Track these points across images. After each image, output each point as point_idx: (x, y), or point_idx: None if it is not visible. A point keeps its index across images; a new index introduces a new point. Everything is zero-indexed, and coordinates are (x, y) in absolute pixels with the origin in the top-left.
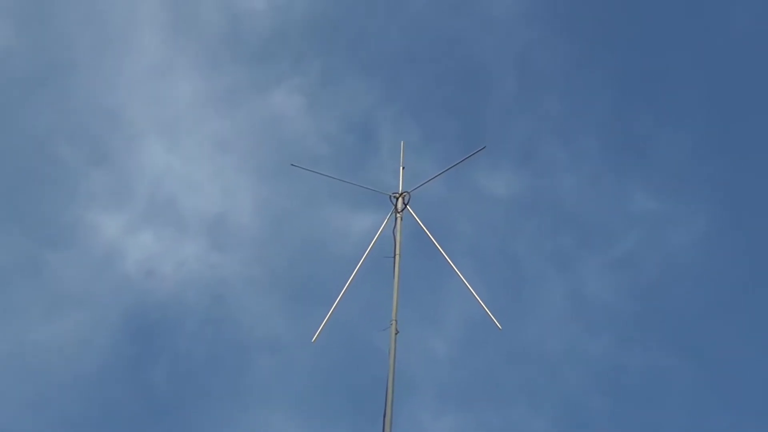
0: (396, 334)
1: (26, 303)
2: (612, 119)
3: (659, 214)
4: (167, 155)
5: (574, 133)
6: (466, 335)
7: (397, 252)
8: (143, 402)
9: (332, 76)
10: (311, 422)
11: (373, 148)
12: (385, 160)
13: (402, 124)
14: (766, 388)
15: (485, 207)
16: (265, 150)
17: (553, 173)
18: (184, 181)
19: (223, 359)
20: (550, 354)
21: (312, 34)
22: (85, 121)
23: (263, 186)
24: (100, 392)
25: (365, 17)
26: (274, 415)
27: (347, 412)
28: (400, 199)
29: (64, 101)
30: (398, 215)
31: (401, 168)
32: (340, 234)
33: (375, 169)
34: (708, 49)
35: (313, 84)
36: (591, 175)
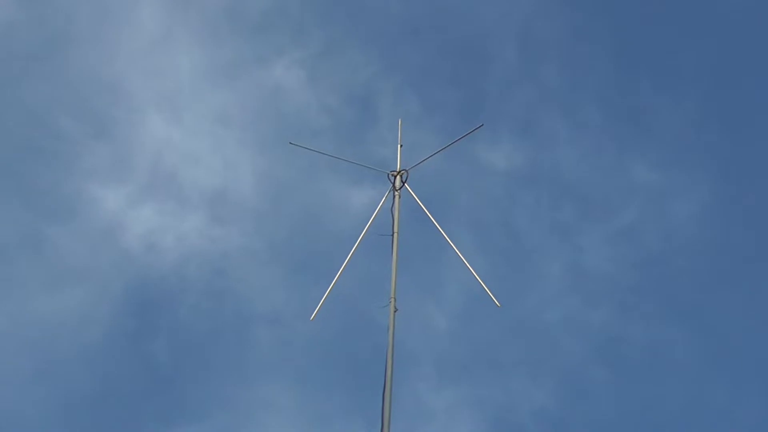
0: (395, 311)
1: (27, 277)
2: (612, 90)
3: (660, 185)
4: (168, 128)
5: (575, 104)
6: (465, 309)
7: (396, 230)
8: (144, 375)
9: (332, 48)
10: (311, 395)
11: (372, 120)
12: (384, 132)
13: (402, 96)
14: None
15: (485, 180)
16: (266, 123)
17: (554, 145)
18: (184, 155)
19: (223, 332)
20: (549, 326)
21: (312, 6)
22: (85, 94)
23: (264, 159)
24: (101, 366)
25: None
26: (274, 388)
27: (347, 386)
28: (398, 177)
29: (65, 74)
30: (396, 193)
31: (399, 146)
32: (339, 208)
33: (375, 141)
34: (709, 17)
35: (314, 56)
36: (591, 146)
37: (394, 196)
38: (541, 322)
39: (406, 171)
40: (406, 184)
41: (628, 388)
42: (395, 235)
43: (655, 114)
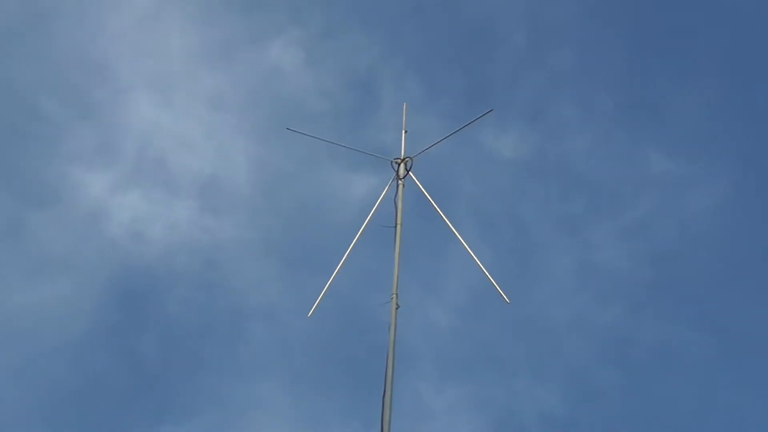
0: (396, 308)
1: (6, 266)
2: (626, 76)
3: (676, 176)
4: (157, 111)
5: (586, 90)
6: (469, 305)
7: (399, 221)
8: (130, 372)
9: (333, 28)
10: (307, 394)
11: (374, 105)
12: (387, 117)
13: (405, 80)
14: None
15: (491, 169)
16: (261, 107)
17: (564, 133)
18: (174, 139)
19: (215, 328)
20: (557, 324)
21: None
22: (69, 74)
23: (259, 145)
24: (84, 361)
25: None
26: (268, 386)
27: (345, 385)
28: (402, 165)
29: (48, 52)
30: (400, 182)
31: (403, 132)
32: (339, 197)
33: (376, 127)
34: (728, 1)
35: (313, 37)
36: (603, 135)
37: (397, 185)
38: (549, 321)
39: (411, 159)
40: (410, 173)
41: (639, 391)
42: (398, 226)
43: (671, 101)
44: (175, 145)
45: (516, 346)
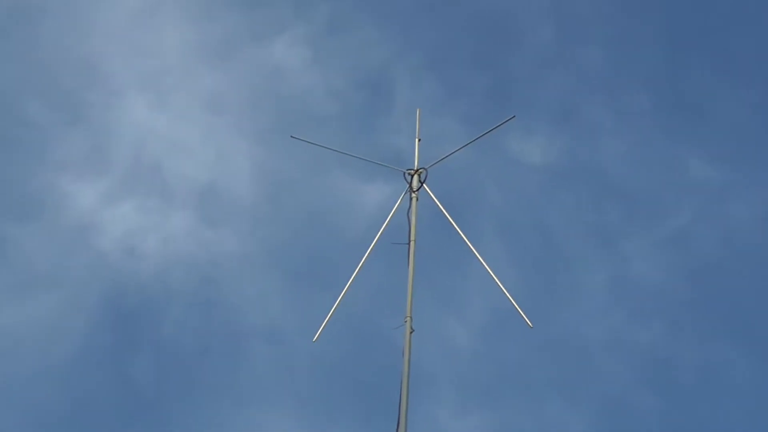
0: (411, 333)
1: None
2: (663, 73)
3: (718, 183)
4: (151, 114)
5: (619, 90)
6: (491, 325)
7: (412, 237)
8: (122, 397)
9: (341, 23)
10: (314, 423)
11: (386, 107)
12: (399, 120)
13: (420, 79)
14: None
15: (516, 176)
16: (264, 109)
17: (595, 137)
18: (170, 144)
19: (213, 349)
20: (589, 345)
21: None
22: (57, 75)
23: (261, 150)
24: (72, 385)
25: None
26: (270, 413)
27: (355, 412)
28: (416, 177)
29: (33, 52)
30: (413, 194)
31: (417, 140)
32: (348, 207)
33: (388, 131)
34: None
35: (319, 33)
36: (639, 138)
37: (410, 198)
38: (580, 341)
39: (425, 169)
40: (424, 185)
41: (680, 417)
42: (412, 243)
43: (713, 101)
44: (171, 150)
45: (544, 369)
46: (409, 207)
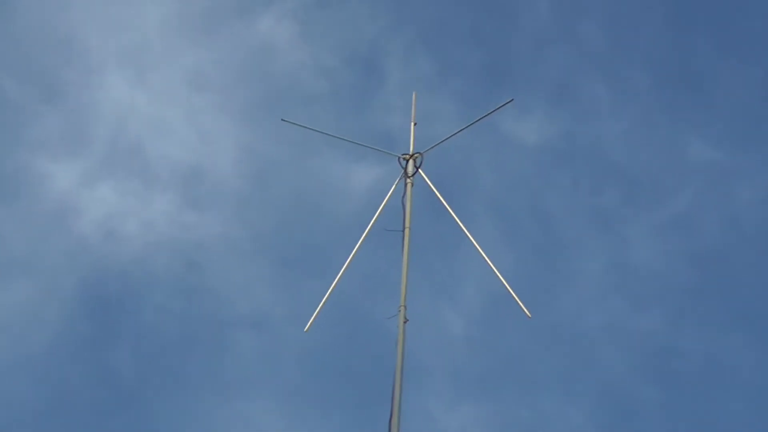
0: (405, 322)
1: None
2: (665, 50)
3: (721, 165)
4: (131, 92)
5: (619, 67)
6: (487, 313)
7: (407, 224)
8: (102, 389)
9: None
10: (302, 414)
11: (379, 84)
12: (392, 98)
13: (414, 56)
14: None
15: (512, 158)
16: (250, 87)
17: (594, 116)
18: (152, 124)
19: (197, 338)
20: (588, 333)
21: None
22: (31, 50)
23: (247, 131)
24: (49, 377)
25: None
26: (258, 404)
27: (346, 404)
28: (411, 162)
29: (7, 26)
30: (408, 180)
31: (412, 124)
32: (339, 189)
33: (381, 110)
34: None
35: (308, 7)
36: (639, 117)
37: (405, 184)
38: (578, 329)
39: (421, 154)
40: (420, 170)
41: (682, 408)
42: (406, 230)
43: (716, 79)
44: (153, 130)
45: (542, 358)
46: (404, 193)
